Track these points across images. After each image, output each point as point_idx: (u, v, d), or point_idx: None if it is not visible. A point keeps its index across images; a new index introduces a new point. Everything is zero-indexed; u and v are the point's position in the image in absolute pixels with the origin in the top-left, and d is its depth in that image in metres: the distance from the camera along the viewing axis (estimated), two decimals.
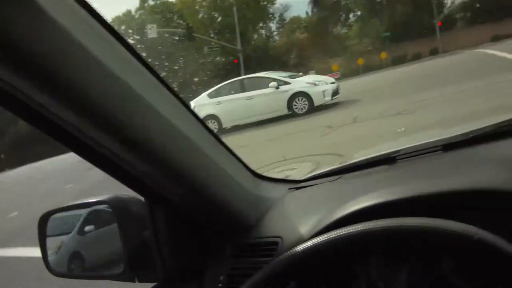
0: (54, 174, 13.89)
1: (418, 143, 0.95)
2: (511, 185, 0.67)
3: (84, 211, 0.98)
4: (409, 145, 0.95)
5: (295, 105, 10.59)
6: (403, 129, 5.10)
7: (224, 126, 10.64)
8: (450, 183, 0.72)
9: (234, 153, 0.86)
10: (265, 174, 1.00)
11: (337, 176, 0.95)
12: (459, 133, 0.92)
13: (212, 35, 27.84)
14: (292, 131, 8.24)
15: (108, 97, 0.58)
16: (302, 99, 10.63)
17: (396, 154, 0.93)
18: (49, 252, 0.96)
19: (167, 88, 0.69)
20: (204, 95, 11.59)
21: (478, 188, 0.69)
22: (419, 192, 0.71)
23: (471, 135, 0.89)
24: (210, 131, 0.79)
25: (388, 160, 0.93)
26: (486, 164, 0.79)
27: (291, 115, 10.42)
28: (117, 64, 0.58)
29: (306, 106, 10.59)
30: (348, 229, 0.63)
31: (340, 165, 1.00)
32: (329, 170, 1.00)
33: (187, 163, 0.72)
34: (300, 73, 13.74)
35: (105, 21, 0.58)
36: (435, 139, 0.94)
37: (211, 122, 10.36)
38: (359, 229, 0.62)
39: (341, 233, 0.63)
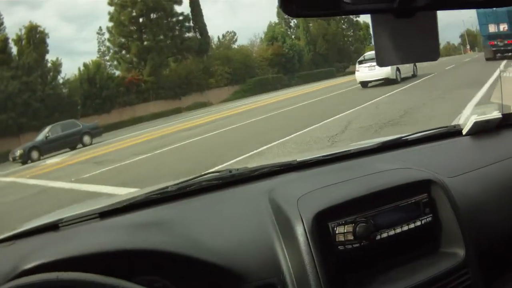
0: None
1: (79, 212, 1.14)
2: (167, 246, 0.92)
3: None
4: (71, 214, 1.14)
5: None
6: None
7: (402, 76, 15.42)
8: (111, 244, 0.94)
9: None
10: None
11: (11, 242, 1.06)
12: (115, 201, 1.16)
13: None
14: None
15: None
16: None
17: (59, 222, 1.10)
18: None
19: None
20: None
21: (134, 249, 0.91)
22: (83, 252, 0.89)
23: (125, 203, 1.14)
24: None
25: (52, 227, 1.09)
26: (144, 229, 1.02)
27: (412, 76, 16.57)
28: None
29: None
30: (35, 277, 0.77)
31: (14, 232, 1.09)
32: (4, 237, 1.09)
33: None
34: None
35: None
36: (93, 207, 1.15)
37: (398, 72, 15.17)
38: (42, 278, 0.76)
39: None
